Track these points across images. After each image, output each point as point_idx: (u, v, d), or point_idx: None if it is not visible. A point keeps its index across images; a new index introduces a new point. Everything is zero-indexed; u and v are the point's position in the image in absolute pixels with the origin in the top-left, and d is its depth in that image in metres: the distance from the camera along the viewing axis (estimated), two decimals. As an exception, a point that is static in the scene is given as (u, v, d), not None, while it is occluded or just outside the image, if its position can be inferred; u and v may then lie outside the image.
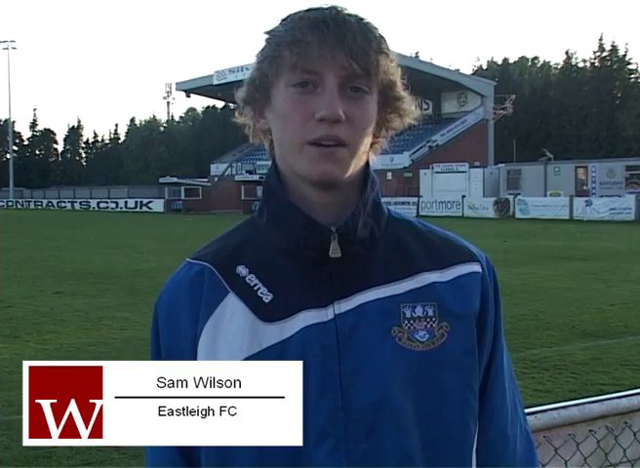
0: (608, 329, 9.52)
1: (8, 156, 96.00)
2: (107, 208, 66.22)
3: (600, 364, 7.67)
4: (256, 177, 58.16)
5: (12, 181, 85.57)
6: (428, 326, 1.15)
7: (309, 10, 1.14)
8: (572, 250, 20.16)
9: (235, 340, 1.13)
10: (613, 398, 2.14)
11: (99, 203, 68.22)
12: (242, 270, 1.18)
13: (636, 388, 2.24)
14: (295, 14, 1.15)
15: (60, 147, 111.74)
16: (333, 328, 1.12)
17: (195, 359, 1.14)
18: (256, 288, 1.16)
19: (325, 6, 1.14)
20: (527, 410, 1.97)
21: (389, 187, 52.62)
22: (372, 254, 1.17)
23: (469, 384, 1.17)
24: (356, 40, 1.10)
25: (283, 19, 1.16)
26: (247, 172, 62.78)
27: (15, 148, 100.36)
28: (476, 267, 1.22)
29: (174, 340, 1.17)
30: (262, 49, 1.16)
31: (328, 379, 1.11)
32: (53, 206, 73.32)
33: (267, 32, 1.16)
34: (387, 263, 1.18)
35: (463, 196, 44.13)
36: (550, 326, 9.72)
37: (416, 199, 46.26)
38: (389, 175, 55.11)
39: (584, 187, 42.88)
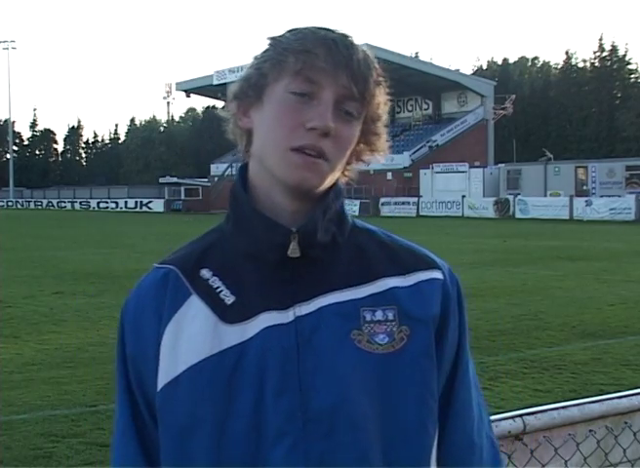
0: (608, 329, 9.51)
1: (8, 156, 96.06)
2: (107, 208, 66.27)
3: (600, 364, 7.67)
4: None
5: (12, 181, 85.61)
6: (388, 329, 1.16)
7: (319, 28, 1.18)
8: (572, 250, 20.16)
9: (197, 340, 1.14)
10: (613, 398, 2.14)
11: (99, 203, 68.26)
12: (205, 273, 1.19)
13: (636, 388, 2.24)
14: (305, 28, 1.18)
15: (60, 147, 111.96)
16: (293, 330, 1.14)
17: (158, 363, 1.16)
18: (218, 290, 1.18)
19: (333, 29, 1.18)
20: (527, 410, 1.98)
21: (389, 187, 52.67)
22: (334, 259, 1.19)
23: (428, 386, 1.18)
24: (360, 65, 1.14)
25: (290, 30, 1.19)
26: (247, 172, 62.72)
27: (15, 148, 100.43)
28: (437, 274, 1.23)
29: (138, 347, 1.19)
30: (265, 51, 1.18)
31: (287, 380, 1.12)
32: (53, 206, 73.36)
33: (273, 38, 1.19)
34: (349, 268, 1.20)
35: (463, 196, 44.15)
36: (550, 326, 9.71)
37: (416, 199, 46.28)
38: (389, 175, 55.17)
39: (584, 187, 42.89)
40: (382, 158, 1.25)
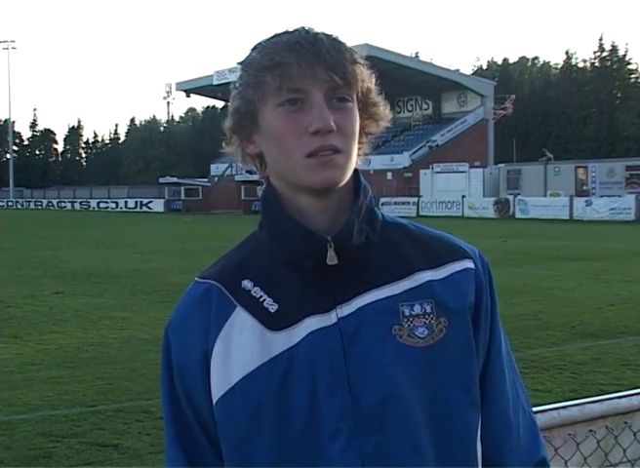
0: (608, 329, 9.51)
1: (8, 156, 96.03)
2: (107, 208, 66.26)
3: (600, 364, 7.67)
4: (256, 177, 58.02)
5: (12, 181, 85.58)
6: (427, 322, 1.20)
7: (279, 34, 1.20)
8: (572, 250, 20.17)
9: (246, 351, 1.19)
10: (613, 398, 2.14)
11: (99, 203, 68.25)
12: (247, 284, 1.23)
13: (636, 388, 2.24)
14: (265, 40, 1.21)
15: (60, 147, 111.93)
16: (337, 331, 1.18)
17: (207, 374, 1.20)
18: (261, 299, 1.22)
19: (291, 29, 1.20)
20: (527, 410, 1.98)
21: (389, 187, 52.62)
22: (369, 259, 1.23)
23: (469, 374, 1.22)
24: (331, 54, 1.16)
25: (254, 48, 1.21)
26: (247, 172, 62.50)
27: (15, 148, 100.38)
28: (469, 264, 1.27)
29: (185, 356, 1.23)
30: (240, 77, 1.21)
31: (336, 380, 1.16)
32: (53, 206, 73.35)
33: (242, 62, 1.22)
34: (384, 266, 1.23)
35: (463, 196, 44.14)
36: (550, 326, 9.71)
37: (416, 199, 46.28)
38: (389, 175, 55.12)
39: (584, 187, 42.89)
40: (388, 124, 1.28)
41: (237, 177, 60.56)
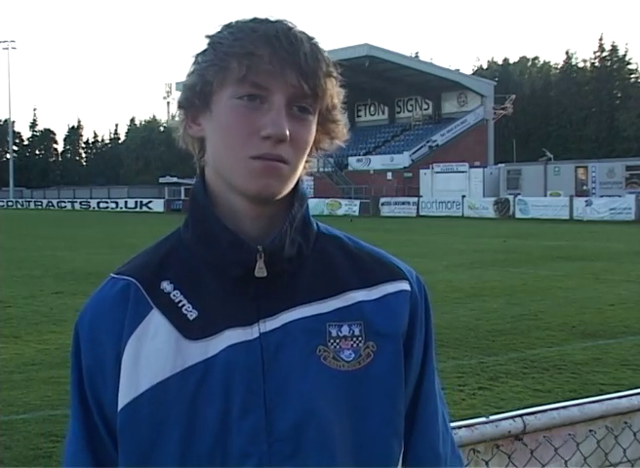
0: (608, 329, 9.51)
1: (8, 156, 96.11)
2: (107, 208, 66.30)
3: (600, 364, 7.67)
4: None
5: (12, 181, 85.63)
6: (354, 345, 1.13)
7: (258, 21, 1.11)
8: (572, 250, 20.17)
9: (158, 358, 1.10)
10: (613, 398, 2.14)
11: (99, 203, 68.31)
12: (167, 286, 1.14)
13: (636, 388, 2.24)
14: (243, 22, 1.11)
15: (60, 147, 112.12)
16: (258, 346, 1.10)
17: (118, 378, 1.11)
18: (180, 304, 1.13)
19: (273, 19, 1.11)
20: (527, 410, 1.98)
21: (389, 187, 52.65)
22: (299, 272, 1.15)
23: (394, 404, 1.15)
24: (307, 60, 1.08)
25: (228, 26, 1.12)
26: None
27: (15, 148, 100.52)
28: (404, 285, 1.19)
29: (96, 359, 1.13)
30: (204, 53, 1.12)
31: (252, 399, 1.08)
32: (53, 206, 73.39)
33: (211, 37, 1.12)
34: (315, 281, 1.15)
35: (463, 196, 44.16)
36: (550, 326, 9.71)
37: (416, 199, 46.29)
38: (389, 175, 55.17)
39: (584, 187, 42.92)
40: (342, 143, 1.21)
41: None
